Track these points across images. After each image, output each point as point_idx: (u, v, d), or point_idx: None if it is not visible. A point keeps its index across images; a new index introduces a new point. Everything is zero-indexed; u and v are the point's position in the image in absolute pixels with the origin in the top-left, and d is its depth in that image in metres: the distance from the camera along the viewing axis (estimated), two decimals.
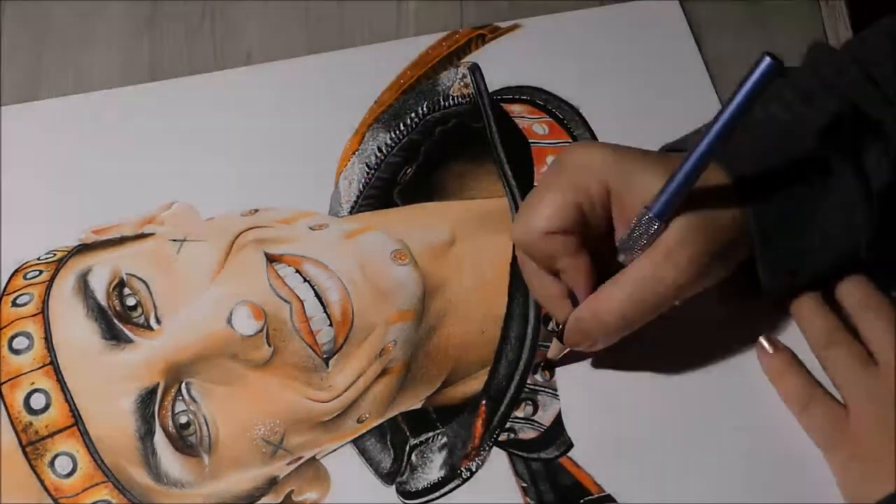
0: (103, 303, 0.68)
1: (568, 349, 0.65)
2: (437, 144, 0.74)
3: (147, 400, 0.65)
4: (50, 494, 0.64)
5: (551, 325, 0.66)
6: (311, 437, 0.66)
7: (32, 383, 0.66)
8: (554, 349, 0.66)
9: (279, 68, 0.79)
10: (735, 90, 0.55)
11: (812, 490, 0.62)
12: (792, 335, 0.66)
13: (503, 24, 0.78)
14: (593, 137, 0.74)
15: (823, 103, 0.63)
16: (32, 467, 0.64)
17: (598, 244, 0.61)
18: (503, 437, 0.66)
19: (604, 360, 0.66)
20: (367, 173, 0.74)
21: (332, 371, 0.67)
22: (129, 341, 0.67)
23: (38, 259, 0.71)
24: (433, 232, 0.71)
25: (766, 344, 0.66)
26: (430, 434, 0.66)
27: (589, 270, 0.61)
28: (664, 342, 0.67)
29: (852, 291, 0.65)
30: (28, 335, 0.67)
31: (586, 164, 0.61)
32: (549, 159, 0.72)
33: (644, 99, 0.76)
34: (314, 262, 0.69)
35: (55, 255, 0.71)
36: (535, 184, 0.72)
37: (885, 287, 0.65)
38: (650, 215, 0.58)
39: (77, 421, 0.65)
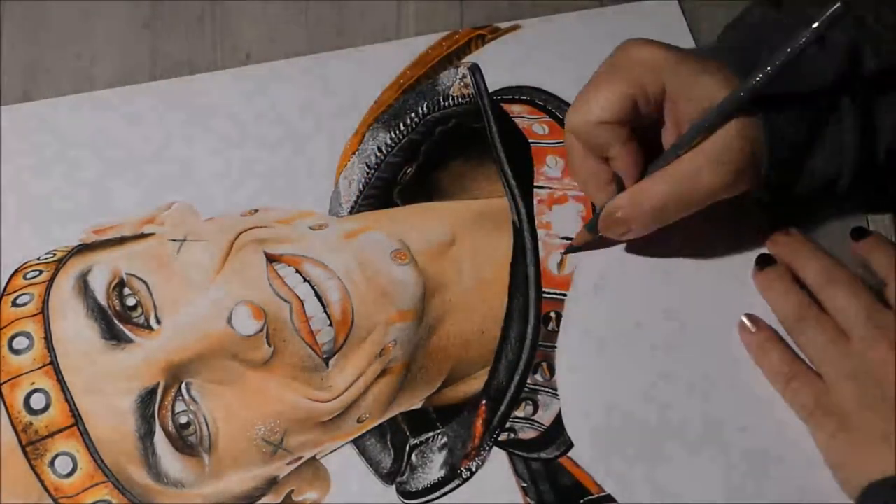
0: (103, 303, 0.68)
1: (593, 237, 0.69)
2: (437, 144, 0.74)
3: (147, 400, 0.65)
4: (50, 494, 0.64)
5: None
6: (311, 437, 0.66)
7: (32, 383, 0.66)
8: (580, 236, 0.69)
9: (279, 68, 0.79)
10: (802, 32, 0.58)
11: (812, 490, 0.62)
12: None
13: (503, 25, 0.78)
14: None
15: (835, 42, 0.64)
16: (32, 467, 0.64)
17: (643, 138, 0.65)
18: (503, 436, 0.66)
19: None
20: (367, 173, 0.74)
21: (332, 371, 0.67)
22: (129, 341, 0.67)
23: (38, 259, 0.71)
24: (433, 232, 0.71)
25: (747, 322, 0.67)
26: (430, 434, 0.66)
27: (639, 158, 0.65)
28: (664, 342, 0.67)
29: (813, 268, 0.66)
30: (28, 335, 0.67)
31: (645, 60, 0.64)
32: (550, 159, 0.73)
33: None
34: (314, 261, 0.69)
35: (55, 255, 0.71)
36: (536, 183, 0.73)
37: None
38: (706, 121, 0.62)
39: (77, 421, 0.65)
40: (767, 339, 0.66)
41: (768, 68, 0.59)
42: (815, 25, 0.57)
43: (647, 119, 0.65)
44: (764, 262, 0.68)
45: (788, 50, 0.58)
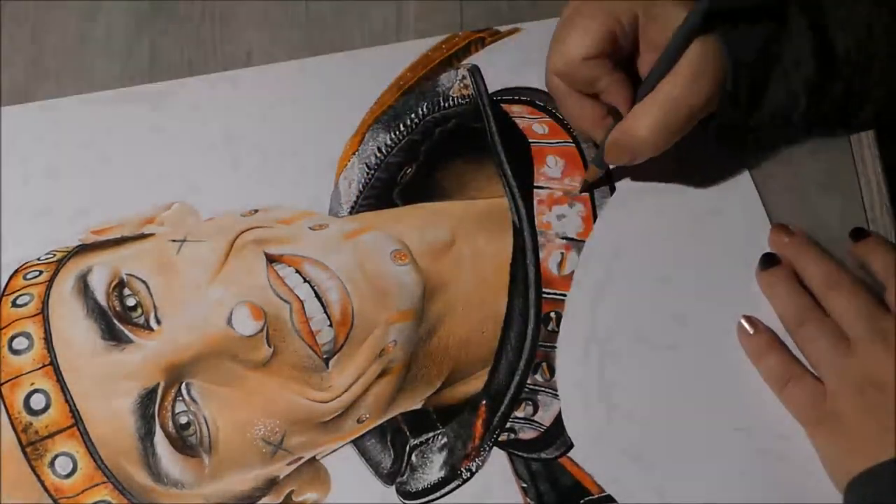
0: (103, 303, 0.68)
1: (603, 173, 0.71)
2: (436, 145, 0.74)
3: (147, 400, 0.65)
4: (50, 495, 0.64)
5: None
6: (311, 438, 0.66)
7: (32, 384, 0.66)
8: (591, 172, 0.71)
9: (279, 69, 0.79)
10: None
11: (812, 490, 0.62)
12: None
13: (503, 28, 0.78)
14: None
15: None
16: (32, 468, 0.64)
17: (624, 68, 0.66)
18: (503, 437, 0.66)
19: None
20: (367, 173, 0.74)
21: (332, 371, 0.67)
22: (129, 341, 0.67)
23: (38, 259, 0.71)
24: (433, 232, 0.71)
25: (746, 325, 0.67)
26: (431, 434, 0.66)
27: (629, 84, 0.66)
28: (664, 342, 0.67)
29: (815, 272, 0.66)
30: (28, 335, 0.67)
31: None
32: (550, 159, 0.73)
33: None
34: (314, 262, 0.69)
35: (55, 255, 0.71)
36: (536, 183, 0.73)
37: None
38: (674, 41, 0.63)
39: (77, 421, 0.65)
40: (765, 341, 0.66)
41: None
42: None
43: (624, 50, 0.66)
44: (768, 262, 0.68)
45: None
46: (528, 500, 0.64)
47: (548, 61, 0.67)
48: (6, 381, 0.66)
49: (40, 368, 0.66)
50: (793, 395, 0.64)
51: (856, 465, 0.59)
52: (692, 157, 0.69)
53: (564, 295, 0.69)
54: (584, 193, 0.71)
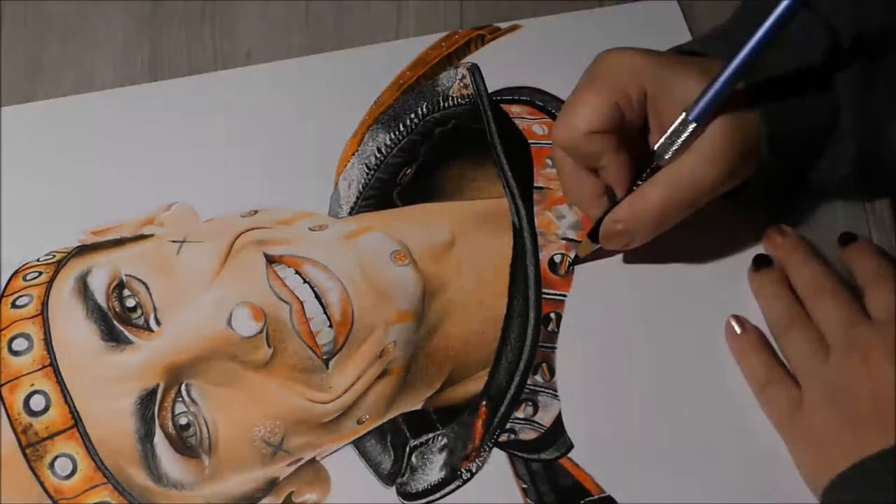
0: (103, 304, 0.68)
1: (597, 247, 0.68)
2: (436, 145, 0.74)
3: (147, 401, 0.65)
4: (50, 496, 0.64)
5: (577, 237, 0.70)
6: (311, 439, 0.66)
7: (32, 385, 0.66)
8: (584, 248, 0.69)
9: (279, 68, 0.79)
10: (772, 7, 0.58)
11: (811, 491, 0.62)
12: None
13: (503, 25, 0.78)
14: None
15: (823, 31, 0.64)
16: (32, 469, 0.64)
17: (631, 145, 0.65)
18: (503, 437, 0.66)
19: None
20: (367, 174, 0.74)
21: (331, 372, 0.67)
22: (129, 342, 0.67)
23: (38, 260, 0.71)
24: (433, 232, 0.71)
25: (734, 324, 0.66)
26: (431, 435, 0.66)
27: (630, 166, 0.65)
28: (664, 343, 0.67)
29: (803, 275, 0.66)
30: (28, 336, 0.67)
31: (624, 66, 0.64)
32: (549, 160, 0.72)
33: None
34: (314, 263, 0.69)
35: (54, 256, 0.71)
36: (536, 184, 0.72)
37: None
38: (690, 118, 0.62)
39: (77, 422, 0.65)
40: (750, 342, 0.66)
41: (740, 56, 0.60)
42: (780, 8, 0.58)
43: (632, 126, 0.65)
44: (760, 263, 0.68)
45: (758, 35, 0.59)
46: (528, 500, 0.64)
47: (553, 132, 0.66)
48: (6, 383, 0.66)
49: (40, 369, 0.66)
50: (770, 399, 0.64)
51: (827, 474, 0.59)
52: None
53: (564, 295, 0.69)
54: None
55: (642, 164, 0.65)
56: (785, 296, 0.66)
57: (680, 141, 0.62)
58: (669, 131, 0.63)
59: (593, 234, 0.67)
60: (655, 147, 0.64)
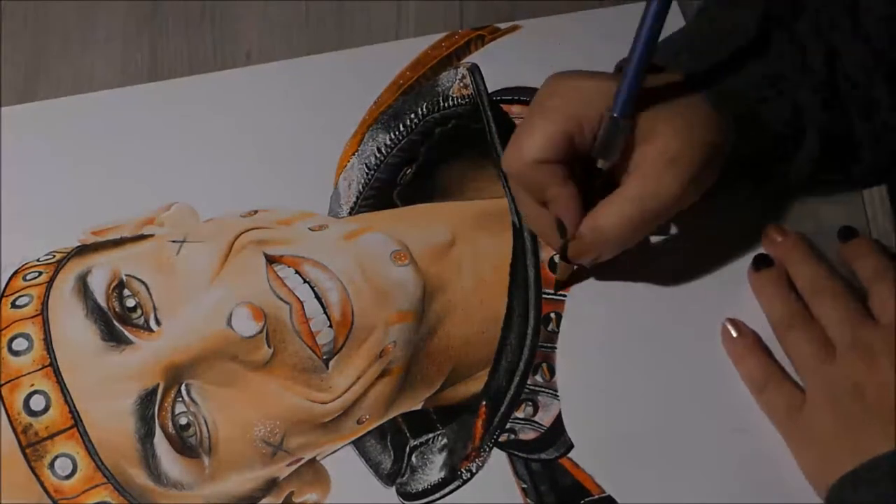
0: (103, 304, 0.68)
1: (575, 267, 0.68)
2: (436, 145, 0.74)
3: (147, 401, 0.65)
4: (50, 496, 0.64)
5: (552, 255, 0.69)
6: (311, 439, 0.66)
7: (32, 385, 0.66)
8: (562, 270, 0.68)
9: (279, 68, 0.79)
10: None
11: (811, 491, 0.62)
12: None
13: (503, 26, 0.78)
14: None
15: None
16: (32, 469, 0.64)
17: (585, 166, 0.63)
18: (503, 437, 0.66)
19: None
20: (367, 174, 0.74)
21: (331, 372, 0.67)
22: (129, 342, 0.67)
23: (38, 260, 0.71)
24: (433, 232, 0.71)
25: (730, 327, 0.66)
26: (431, 435, 0.66)
27: (576, 200, 0.63)
28: (664, 343, 0.67)
29: (804, 274, 0.65)
30: (28, 336, 0.67)
31: (576, 93, 0.63)
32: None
33: None
34: (314, 263, 0.69)
35: (54, 256, 0.71)
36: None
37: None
38: (615, 115, 0.61)
39: (77, 422, 0.65)
40: (746, 345, 0.65)
41: (642, 38, 0.60)
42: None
43: (582, 153, 0.63)
44: (760, 263, 0.67)
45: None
46: (528, 500, 0.64)
47: (503, 160, 0.65)
48: (6, 383, 0.66)
49: (40, 369, 0.66)
50: (770, 400, 0.63)
51: (830, 474, 0.59)
52: None
53: (564, 295, 0.69)
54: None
55: (594, 183, 0.64)
56: (786, 295, 0.65)
57: (616, 140, 0.61)
58: (601, 134, 0.61)
59: (563, 256, 0.65)
60: (593, 153, 0.63)
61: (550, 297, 0.69)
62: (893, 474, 0.57)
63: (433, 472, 0.65)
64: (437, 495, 0.64)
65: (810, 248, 0.67)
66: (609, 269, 0.69)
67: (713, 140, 0.62)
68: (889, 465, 0.57)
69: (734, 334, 0.66)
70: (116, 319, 0.67)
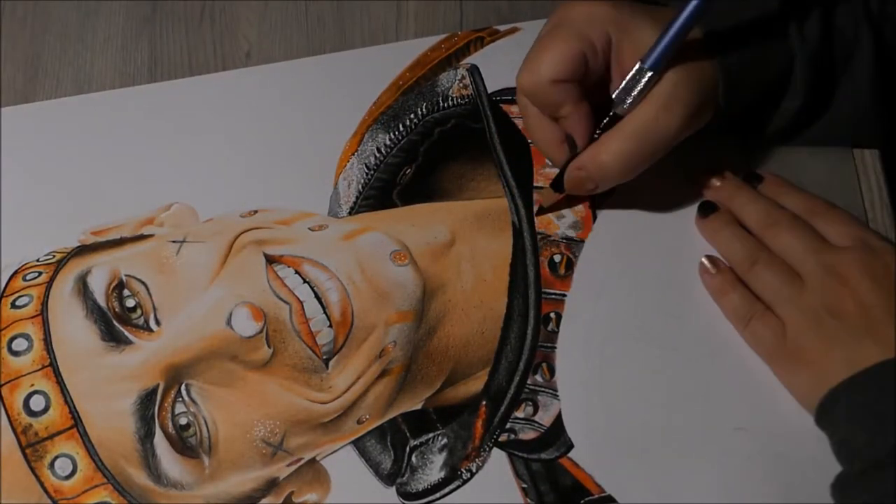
0: (103, 304, 0.68)
1: (562, 196, 0.69)
2: (436, 145, 0.74)
3: (147, 401, 0.65)
4: (50, 496, 0.64)
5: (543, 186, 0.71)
6: (311, 439, 0.66)
7: (32, 385, 0.66)
8: (547, 197, 0.70)
9: (279, 69, 0.79)
10: None
11: (812, 490, 0.62)
12: None
13: (502, 28, 0.78)
14: None
15: None
16: (32, 469, 0.64)
17: (594, 94, 0.65)
18: (503, 437, 0.66)
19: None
20: (367, 174, 0.74)
21: (331, 372, 0.67)
22: (129, 343, 0.67)
23: (38, 260, 0.71)
24: (433, 232, 0.71)
25: (707, 264, 0.67)
26: (431, 435, 0.66)
27: (590, 117, 0.65)
28: (664, 342, 0.67)
29: (752, 212, 0.67)
30: (27, 337, 0.67)
31: (590, 15, 0.65)
32: (549, 160, 0.72)
33: None
34: (314, 263, 0.69)
35: (54, 256, 0.71)
36: (535, 183, 0.72)
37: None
38: (645, 67, 0.63)
39: (77, 422, 0.65)
40: (727, 280, 0.67)
41: (692, 3, 0.60)
42: None
43: (595, 75, 0.65)
44: (707, 209, 0.69)
45: None
46: (529, 500, 0.64)
47: (517, 78, 0.67)
48: (6, 383, 0.66)
49: (40, 370, 0.66)
50: (756, 332, 0.65)
51: (821, 391, 0.61)
52: (691, 158, 0.68)
53: (564, 295, 0.69)
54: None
55: (602, 112, 0.66)
56: (741, 234, 0.67)
57: (637, 89, 0.63)
58: (626, 80, 0.64)
59: (556, 184, 0.68)
60: (613, 95, 0.65)
61: (550, 296, 0.69)
62: (886, 380, 0.59)
63: (433, 471, 0.65)
64: (437, 495, 0.64)
65: (751, 187, 0.68)
66: (611, 269, 0.69)
67: (711, 81, 0.64)
68: (882, 371, 0.59)
69: (713, 270, 0.67)
70: (116, 319, 0.67)
